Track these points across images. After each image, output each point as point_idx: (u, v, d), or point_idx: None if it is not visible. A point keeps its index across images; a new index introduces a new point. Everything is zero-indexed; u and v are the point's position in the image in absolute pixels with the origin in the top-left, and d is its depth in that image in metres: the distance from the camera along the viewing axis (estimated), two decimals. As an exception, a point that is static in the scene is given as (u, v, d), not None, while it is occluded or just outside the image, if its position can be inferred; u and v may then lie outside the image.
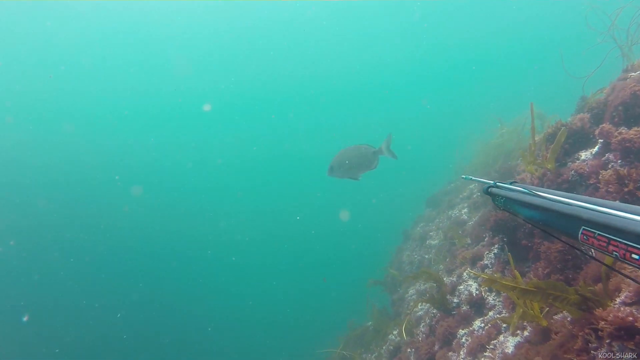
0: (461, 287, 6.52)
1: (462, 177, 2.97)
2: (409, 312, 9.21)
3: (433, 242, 11.39)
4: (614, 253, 1.29)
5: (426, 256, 11.18)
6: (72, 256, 26.61)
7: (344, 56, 43.44)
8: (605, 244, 1.34)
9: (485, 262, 6.25)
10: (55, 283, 25.19)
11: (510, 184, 2.18)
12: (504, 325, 5.14)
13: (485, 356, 4.96)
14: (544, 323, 3.90)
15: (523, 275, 5.28)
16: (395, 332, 9.18)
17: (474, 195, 11.03)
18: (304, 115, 50.03)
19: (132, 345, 21.09)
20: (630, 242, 1.23)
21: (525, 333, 4.56)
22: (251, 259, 31.39)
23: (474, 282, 6.38)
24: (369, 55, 43.16)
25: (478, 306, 5.78)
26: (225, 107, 47.75)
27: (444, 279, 7.91)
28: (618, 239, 1.28)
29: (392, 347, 8.38)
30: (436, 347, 5.93)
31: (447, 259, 8.99)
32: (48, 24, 32.42)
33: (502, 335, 4.96)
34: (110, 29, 35.50)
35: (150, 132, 44.32)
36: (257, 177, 45.37)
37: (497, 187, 2.26)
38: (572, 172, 5.13)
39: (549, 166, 5.52)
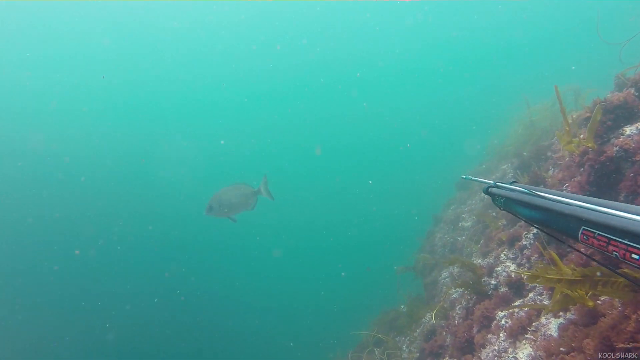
0: (499, 268, 6.39)
1: (462, 177, 2.97)
2: (442, 297, 9.15)
3: (466, 224, 11.22)
4: (614, 253, 1.30)
5: (459, 238, 11.03)
6: (118, 245, 27.24)
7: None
8: (605, 244, 1.35)
9: (524, 242, 6.10)
10: (96, 271, 25.80)
11: (511, 184, 2.21)
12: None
13: (526, 338, 4.86)
14: (591, 304, 3.77)
15: (563, 256, 5.13)
16: (428, 316, 9.12)
17: (508, 176, 10.79)
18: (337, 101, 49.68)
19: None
20: (630, 242, 1.23)
21: (569, 315, 4.44)
22: (286, 248, 31.62)
23: (512, 263, 6.25)
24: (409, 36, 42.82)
25: (517, 287, 5.65)
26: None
27: (479, 261, 7.79)
28: (618, 239, 1.28)
29: (426, 330, 8.31)
30: (474, 330, 5.85)
31: (482, 241, 8.85)
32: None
33: (543, 317, 4.84)
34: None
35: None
36: (288, 164, 45.43)
37: (497, 187, 2.30)
38: (617, 148, 4.92)
39: (589, 144, 5.32)
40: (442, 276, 10.32)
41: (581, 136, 6.04)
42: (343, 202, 36.34)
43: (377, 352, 9.90)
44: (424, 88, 49.08)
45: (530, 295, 5.38)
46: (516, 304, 5.46)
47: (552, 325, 4.62)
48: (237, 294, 26.01)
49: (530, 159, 8.76)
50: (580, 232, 1.49)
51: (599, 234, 1.38)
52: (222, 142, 42.51)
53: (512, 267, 6.15)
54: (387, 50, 44.83)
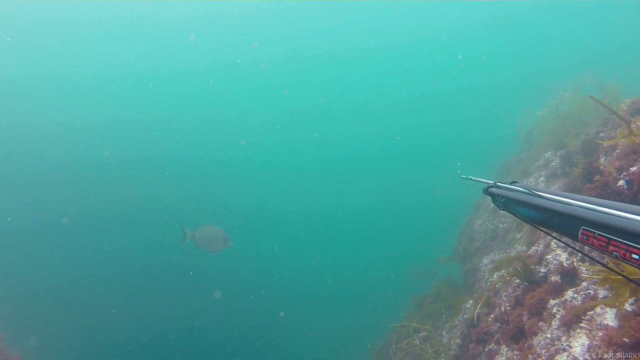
0: (549, 256, 6.33)
1: (462, 177, 2.94)
2: (485, 283, 9.13)
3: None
4: (614, 253, 1.29)
5: (500, 225, 10.92)
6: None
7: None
8: (605, 244, 1.34)
9: (577, 231, 6.03)
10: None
11: (511, 183, 2.17)
12: (601, 295, 4.97)
13: (581, 327, 4.84)
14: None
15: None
16: (470, 303, 9.12)
17: (552, 164, 10.59)
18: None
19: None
20: (630, 242, 1.23)
21: (626, 306, 4.39)
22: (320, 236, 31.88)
23: (563, 251, 6.19)
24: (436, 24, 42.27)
25: (570, 276, 5.60)
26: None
27: (524, 248, 7.74)
28: (618, 239, 1.28)
29: (468, 317, 8.31)
30: (525, 318, 5.84)
31: (526, 228, 8.76)
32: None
33: (599, 307, 4.81)
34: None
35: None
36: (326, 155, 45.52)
37: (497, 187, 2.26)
38: (681, 136, 4.80)
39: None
40: (483, 263, 10.27)
41: (637, 124, 5.91)
42: (380, 193, 36.33)
43: (417, 339, 9.98)
44: (447, 82, 48.23)
45: (584, 284, 5.34)
46: (580, 287, 5.43)
47: (608, 315, 4.59)
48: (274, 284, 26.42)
49: (580, 147, 8.57)
50: (580, 232, 1.48)
51: (599, 234, 1.37)
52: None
53: (564, 255, 6.09)
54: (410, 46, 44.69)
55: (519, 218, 2.05)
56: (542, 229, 1.89)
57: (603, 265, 1.83)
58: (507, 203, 2.12)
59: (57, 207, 26.98)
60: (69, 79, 39.76)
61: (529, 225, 2.13)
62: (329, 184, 39.16)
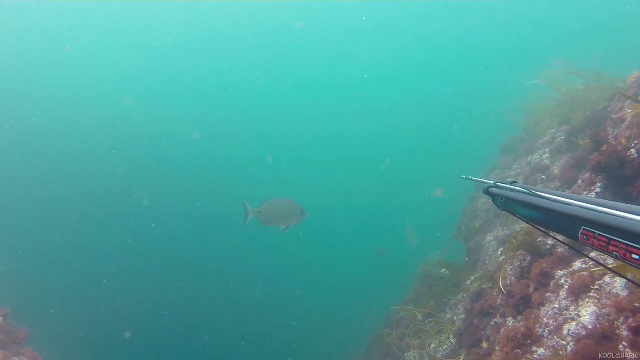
0: (555, 229, 6.27)
1: (462, 177, 2.93)
2: (488, 257, 9.10)
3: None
4: (614, 253, 1.29)
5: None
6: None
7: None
8: (605, 244, 1.34)
9: (585, 202, 5.95)
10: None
11: (511, 183, 2.17)
12: (610, 264, 4.91)
13: (590, 297, 4.78)
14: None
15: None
16: (472, 278, 9.09)
17: (557, 140, 10.48)
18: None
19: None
20: (630, 242, 1.22)
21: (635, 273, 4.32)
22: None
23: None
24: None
25: (577, 247, 5.53)
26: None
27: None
28: (618, 239, 1.27)
29: (472, 292, 8.29)
30: (531, 288, 5.78)
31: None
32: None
33: (607, 276, 4.75)
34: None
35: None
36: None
37: (497, 187, 2.27)
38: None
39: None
40: (487, 240, 10.23)
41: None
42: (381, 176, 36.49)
43: (419, 316, 9.98)
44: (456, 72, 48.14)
45: (592, 254, 5.27)
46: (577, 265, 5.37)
47: (617, 284, 4.53)
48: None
49: (585, 122, 8.46)
50: (580, 232, 1.47)
51: (598, 234, 1.37)
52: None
53: (571, 227, 6.01)
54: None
55: (519, 218, 2.05)
56: (542, 229, 1.90)
57: (604, 265, 1.88)
58: (507, 203, 2.12)
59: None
60: (108, 76, 40.26)
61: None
62: (337, 179, 39.35)
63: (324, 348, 16.82)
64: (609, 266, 4.39)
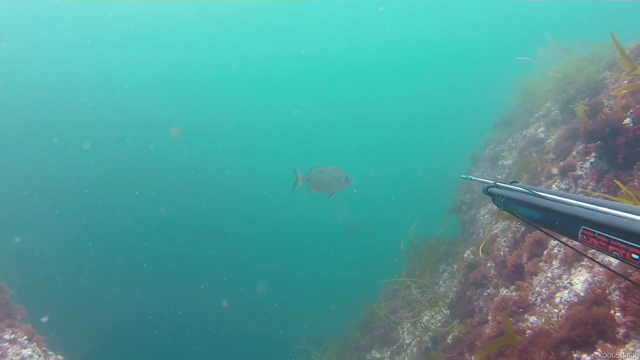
0: (550, 200, 6.27)
1: (462, 177, 2.91)
2: (482, 229, 9.11)
3: (506, 162, 11.00)
4: (614, 253, 1.29)
5: (498, 176, 10.85)
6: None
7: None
8: (605, 244, 1.34)
9: (579, 172, 5.92)
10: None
11: (511, 183, 2.17)
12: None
13: (582, 265, 4.79)
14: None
15: (625, 183, 4.98)
16: (468, 251, 9.12)
17: (552, 113, 10.42)
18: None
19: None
20: (630, 242, 1.23)
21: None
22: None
23: (564, 194, 6.11)
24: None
25: (582, 250, 5.54)
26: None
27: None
28: (618, 239, 1.27)
29: (466, 264, 8.33)
30: (524, 258, 5.80)
31: (525, 177, 8.68)
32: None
33: (600, 245, 4.75)
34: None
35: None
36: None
37: (497, 187, 2.26)
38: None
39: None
40: (481, 214, 10.25)
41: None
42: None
43: (414, 288, 10.05)
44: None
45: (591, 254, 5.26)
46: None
47: (610, 252, 4.52)
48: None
49: (582, 92, 8.39)
50: (580, 232, 1.48)
51: (598, 234, 1.37)
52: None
53: (565, 197, 6.00)
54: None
55: (519, 218, 2.05)
56: (542, 228, 1.91)
57: (604, 266, 1.92)
58: (507, 203, 2.11)
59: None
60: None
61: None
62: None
63: (322, 324, 17.04)
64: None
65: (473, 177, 2.67)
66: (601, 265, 1.99)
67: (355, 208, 30.49)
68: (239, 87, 46.46)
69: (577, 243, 1.56)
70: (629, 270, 3.64)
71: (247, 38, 43.38)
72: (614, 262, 4.30)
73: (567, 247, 4.96)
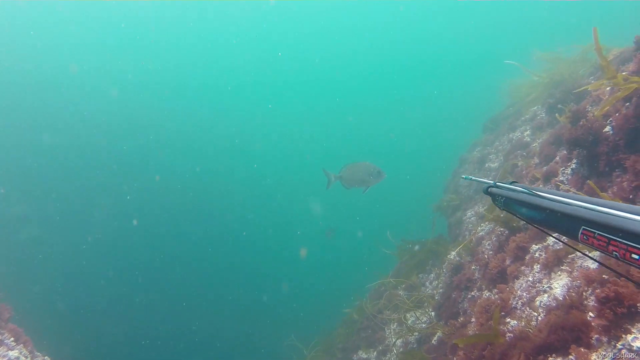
0: (532, 204, 6.40)
1: (462, 177, 2.94)
2: (468, 232, 9.22)
3: (493, 165, 11.15)
4: (614, 253, 1.29)
5: (485, 179, 10.98)
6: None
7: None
8: (605, 244, 1.34)
9: (561, 178, 6.05)
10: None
11: (511, 183, 2.18)
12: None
13: (562, 270, 4.91)
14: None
15: (604, 190, 5.10)
16: (453, 253, 9.23)
17: (538, 117, 10.58)
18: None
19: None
20: (630, 242, 1.23)
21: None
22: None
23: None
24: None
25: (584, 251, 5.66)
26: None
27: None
28: (618, 239, 1.27)
29: (452, 266, 8.44)
30: (507, 262, 5.91)
31: (510, 179, 8.80)
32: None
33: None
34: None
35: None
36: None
37: (497, 187, 2.27)
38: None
39: (636, 79, 5.14)
40: (467, 215, 10.38)
41: (624, 73, 5.85)
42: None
43: (400, 288, 10.15)
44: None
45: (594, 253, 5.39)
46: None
47: (589, 258, 4.65)
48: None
49: (566, 98, 8.54)
50: (580, 232, 1.48)
51: (598, 234, 1.37)
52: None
53: (547, 202, 6.13)
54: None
55: (519, 218, 2.06)
56: (542, 228, 1.91)
57: (601, 263, 1.92)
58: (507, 203, 2.12)
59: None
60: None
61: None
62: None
63: (311, 324, 17.17)
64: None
65: (473, 178, 2.70)
66: (599, 262, 2.02)
67: (345, 210, 30.81)
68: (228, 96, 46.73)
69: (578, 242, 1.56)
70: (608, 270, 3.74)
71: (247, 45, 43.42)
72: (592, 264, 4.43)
73: (562, 244, 5.08)
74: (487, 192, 2.39)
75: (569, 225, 1.55)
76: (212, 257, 27.38)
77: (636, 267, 1.22)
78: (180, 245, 27.73)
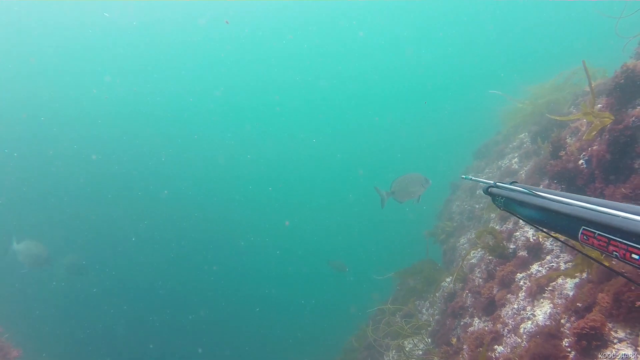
0: (517, 233, 6.71)
1: (462, 177, 3.00)
2: (461, 259, 9.50)
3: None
4: (614, 253, 1.30)
5: (477, 206, 11.32)
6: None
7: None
8: (605, 244, 1.34)
9: (543, 208, 6.38)
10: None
11: (511, 184, 2.17)
12: (563, 267, 5.36)
13: (544, 297, 5.21)
14: (607, 264, 4.08)
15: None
16: (448, 280, 9.50)
17: (525, 145, 10.98)
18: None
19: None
20: (630, 242, 1.24)
21: (584, 275, 4.74)
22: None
23: (530, 228, 6.56)
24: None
25: (535, 251, 5.97)
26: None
27: (498, 227, 8.11)
28: (618, 239, 1.28)
29: (446, 294, 8.71)
30: (495, 290, 6.21)
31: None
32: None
33: (560, 278, 5.17)
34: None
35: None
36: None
37: (497, 187, 2.26)
38: (633, 118, 5.13)
39: (606, 115, 5.51)
40: (460, 242, 10.67)
41: (599, 106, 6.24)
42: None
43: (397, 315, 10.37)
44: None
45: (548, 257, 5.71)
46: (544, 261, 5.80)
47: (568, 285, 4.95)
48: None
49: (549, 127, 8.93)
50: (580, 232, 1.48)
51: (599, 234, 1.37)
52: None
53: (530, 232, 6.46)
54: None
55: (519, 218, 2.06)
56: (542, 228, 1.89)
57: (603, 264, 1.93)
58: (507, 203, 2.12)
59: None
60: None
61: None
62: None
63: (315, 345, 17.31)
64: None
65: (473, 178, 2.70)
66: (594, 260, 2.12)
67: (341, 237, 31.06)
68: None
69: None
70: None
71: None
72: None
73: (561, 243, 5.37)
74: (487, 192, 2.37)
75: (569, 225, 1.56)
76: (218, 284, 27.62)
77: (636, 267, 1.23)
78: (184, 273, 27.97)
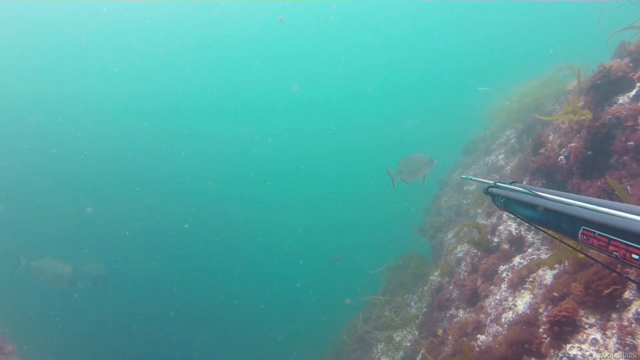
0: (501, 227, 6.95)
1: (462, 177, 3.10)
2: (448, 253, 9.74)
3: (471, 188, 11.72)
4: (614, 253, 1.30)
5: (464, 201, 11.55)
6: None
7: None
8: (605, 244, 1.35)
9: (524, 203, 6.61)
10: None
11: (511, 183, 2.17)
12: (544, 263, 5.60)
13: (525, 288, 5.43)
14: (581, 256, 4.31)
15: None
16: (436, 274, 9.73)
17: (511, 141, 11.22)
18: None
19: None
20: (630, 242, 1.24)
21: (562, 267, 4.97)
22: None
23: (513, 222, 6.79)
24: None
25: (518, 244, 6.20)
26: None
27: (483, 221, 8.34)
28: (618, 239, 1.29)
29: (433, 287, 8.93)
30: (479, 282, 6.44)
31: (485, 203, 9.36)
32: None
33: (540, 270, 5.39)
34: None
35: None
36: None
37: (497, 187, 2.26)
38: (610, 116, 5.35)
39: (585, 112, 5.74)
40: (448, 237, 10.90)
41: (579, 104, 6.47)
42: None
43: (387, 309, 10.58)
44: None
45: (530, 250, 5.94)
46: (526, 253, 6.03)
47: (547, 277, 5.17)
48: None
49: (534, 124, 9.17)
50: (580, 232, 1.48)
51: (599, 234, 1.37)
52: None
53: (513, 226, 6.69)
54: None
55: (519, 218, 2.06)
56: (542, 228, 1.89)
57: (602, 264, 1.90)
58: (507, 203, 2.12)
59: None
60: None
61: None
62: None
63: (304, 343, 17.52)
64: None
65: (473, 177, 2.69)
66: (572, 248, 2.23)
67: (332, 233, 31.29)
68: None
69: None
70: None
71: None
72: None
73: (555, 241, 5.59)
74: (487, 192, 2.37)
75: (569, 225, 1.56)
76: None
77: (636, 267, 1.23)
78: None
